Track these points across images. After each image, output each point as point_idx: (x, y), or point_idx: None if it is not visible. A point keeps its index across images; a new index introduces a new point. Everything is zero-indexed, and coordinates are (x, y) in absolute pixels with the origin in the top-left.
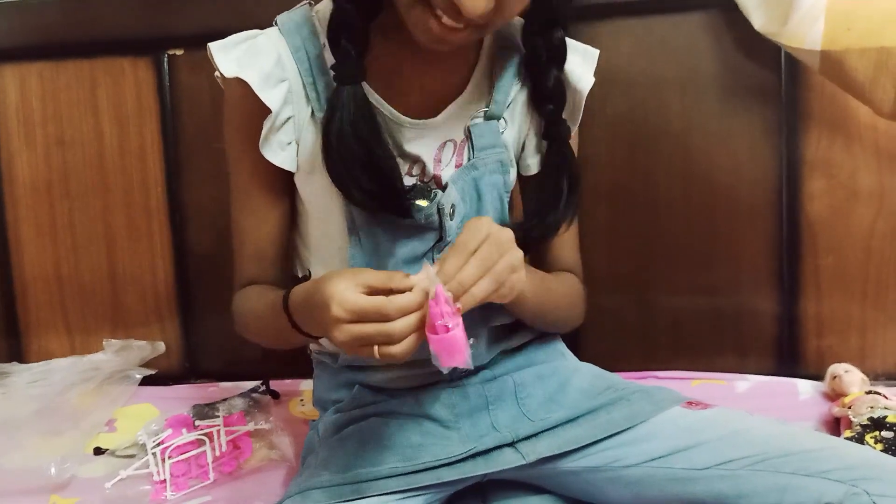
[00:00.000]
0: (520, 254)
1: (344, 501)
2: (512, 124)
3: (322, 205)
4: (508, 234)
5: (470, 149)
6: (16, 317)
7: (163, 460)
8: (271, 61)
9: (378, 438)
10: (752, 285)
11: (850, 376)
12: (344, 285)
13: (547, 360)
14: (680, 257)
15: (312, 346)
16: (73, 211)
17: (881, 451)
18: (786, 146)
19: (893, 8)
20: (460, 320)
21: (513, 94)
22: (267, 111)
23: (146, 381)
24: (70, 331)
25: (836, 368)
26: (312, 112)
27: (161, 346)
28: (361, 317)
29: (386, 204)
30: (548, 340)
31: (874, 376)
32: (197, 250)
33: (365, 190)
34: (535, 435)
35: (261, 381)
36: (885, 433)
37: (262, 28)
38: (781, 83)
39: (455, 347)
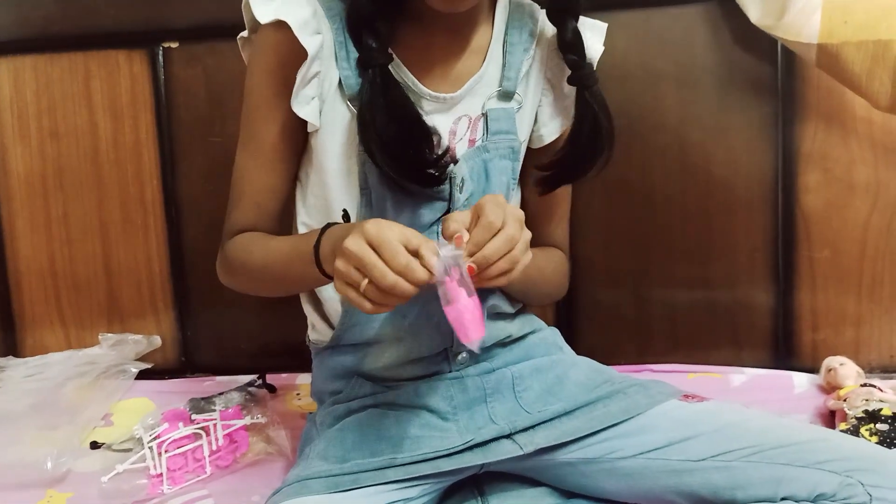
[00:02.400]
0: (529, 235)
1: (341, 491)
2: (526, 99)
3: (337, 164)
4: (522, 214)
5: (485, 129)
6: (11, 311)
7: (159, 454)
8: (308, 12)
9: (376, 430)
10: (748, 278)
11: (846, 369)
12: (386, 224)
13: (545, 353)
14: (676, 250)
15: (312, 338)
16: (67, 204)
17: (876, 443)
18: (782, 139)
19: (890, 1)
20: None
21: (525, 68)
22: (299, 60)
23: (142, 375)
24: (65, 325)
25: (832, 361)
26: (340, 80)
27: (157, 340)
28: (360, 263)
29: (420, 176)
30: (546, 334)
31: (869, 369)
32: (192, 244)
33: (399, 163)
34: (533, 427)
35: (257, 375)
36: (879, 426)
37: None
38: (778, 76)
39: (477, 315)
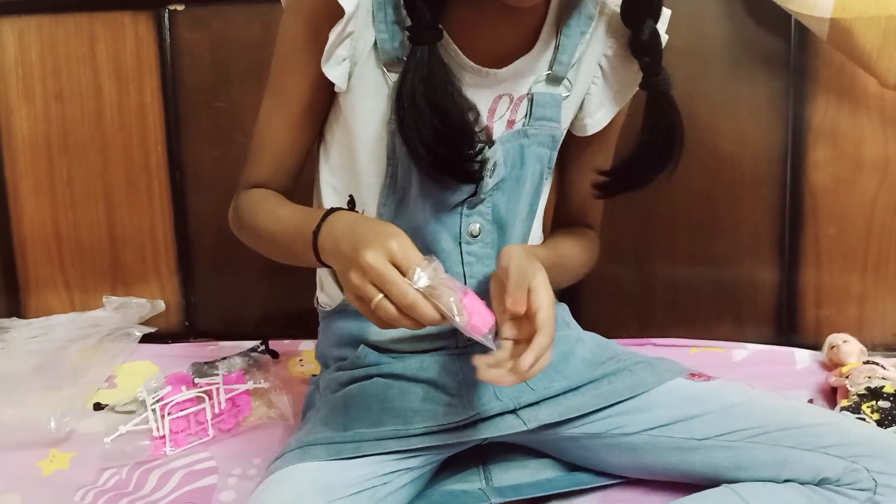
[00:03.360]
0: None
1: (343, 458)
2: (576, 86)
3: (366, 130)
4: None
5: (528, 113)
6: (15, 272)
7: (162, 417)
8: None
9: (380, 400)
10: (753, 254)
11: (849, 346)
12: (410, 244)
13: None
14: (681, 225)
15: (321, 300)
16: (72, 167)
17: (877, 420)
18: (792, 115)
19: None
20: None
21: (578, 54)
22: (335, 16)
23: (146, 339)
24: (69, 287)
25: (835, 338)
26: (375, 42)
27: (160, 305)
28: (384, 283)
29: (452, 171)
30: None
31: (872, 347)
32: (197, 209)
33: (433, 155)
34: (537, 403)
35: (260, 341)
36: (881, 403)
37: None
38: (790, 51)
39: (484, 315)
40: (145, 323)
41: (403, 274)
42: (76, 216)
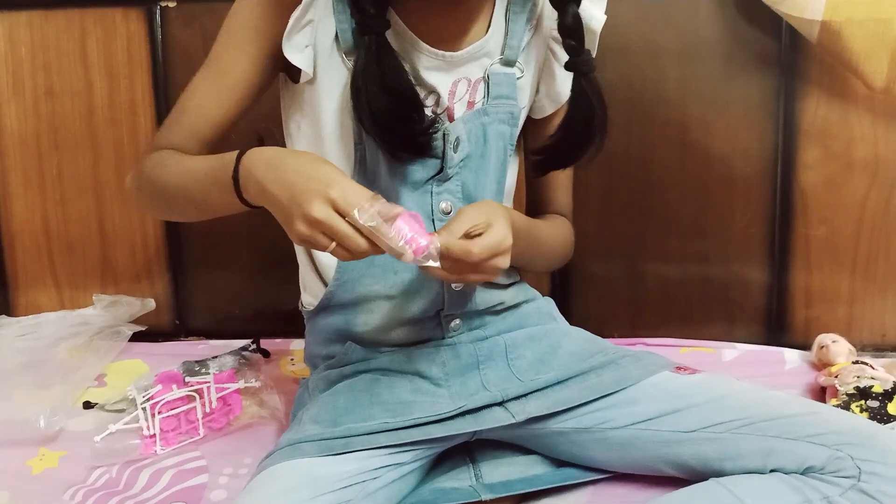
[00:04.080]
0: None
1: (333, 455)
2: (528, 68)
3: (332, 118)
4: (510, 243)
5: (485, 93)
6: (4, 270)
7: (152, 415)
8: None
9: (368, 395)
10: (743, 254)
11: (838, 346)
12: (350, 186)
13: (538, 322)
14: (672, 225)
15: (304, 301)
16: (62, 163)
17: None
18: (783, 115)
19: None
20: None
21: (526, 38)
22: (293, 3)
23: (136, 338)
24: (58, 285)
25: (824, 338)
26: (337, 33)
27: (151, 303)
28: (336, 235)
29: (408, 146)
30: (541, 303)
31: (861, 347)
32: None
33: (390, 133)
34: (525, 395)
35: (251, 340)
36: (870, 402)
37: None
38: (781, 51)
39: (417, 228)
40: (135, 321)
41: (345, 216)
42: (66, 213)
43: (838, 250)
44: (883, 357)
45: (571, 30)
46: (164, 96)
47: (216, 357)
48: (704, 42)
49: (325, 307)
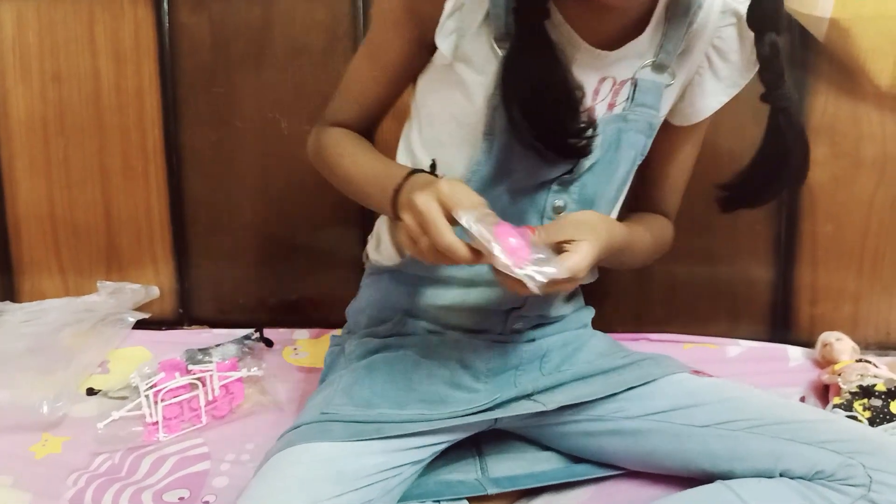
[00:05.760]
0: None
1: (365, 440)
2: (679, 75)
3: (466, 104)
4: (581, 275)
5: (629, 97)
6: (9, 255)
7: (155, 403)
8: None
9: (406, 380)
10: (749, 251)
11: (842, 344)
12: (460, 187)
13: (575, 328)
14: (678, 221)
15: (371, 255)
16: (68, 149)
17: (869, 418)
18: None
19: None
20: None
21: (685, 42)
22: None
23: (139, 325)
24: (63, 271)
25: (828, 336)
26: (487, 14)
27: (155, 291)
28: (426, 224)
29: (558, 147)
30: (582, 313)
31: (865, 345)
32: (193, 194)
33: (539, 132)
34: (552, 388)
35: (254, 329)
36: (873, 401)
37: None
38: (792, 47)
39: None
40: (139, 308)
41: (449, 210)
42: (71, 199)
43: (845, 248)
44: (887, 355)
45: (769, 60)
46: (171, 83)
47: (219, 345)
48: None
49: (397, 272)
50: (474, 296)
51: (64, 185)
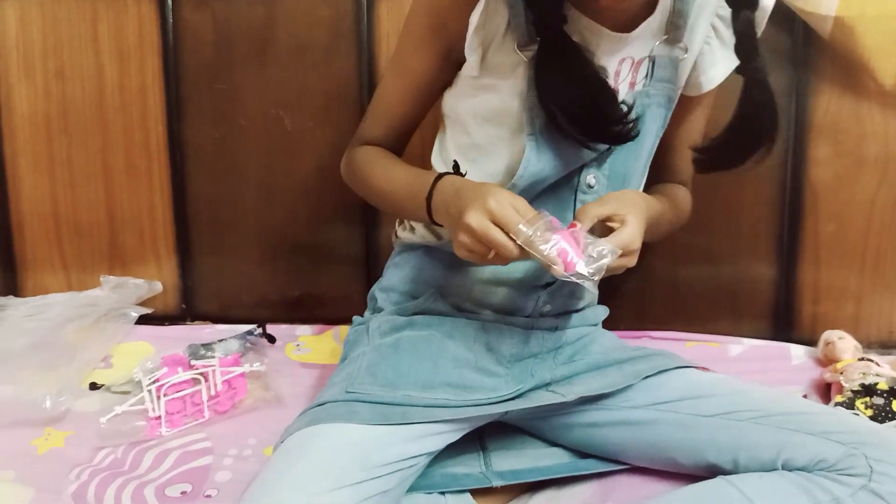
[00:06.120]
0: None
1: (391, 425)
2: (692, 47)
3: (498, 108)
4: (638, 245)
5: (648, 74)
6: (12, 250)
7: (158, 398)
8: None
9: (432, 364)
10: (752, 250)
11: (844, 343)
12: (505, 197)
13: (590, 323)
14: None
15: (403, 235)
16: (71, 146)
17: (870, 416)
18: (795, 110)
19: None
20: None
21: (693, 16)
22: (466, 7)
23: (142, 321)
24: (66, 267)
25: (830, 335)
26: (509, 22)
27: (158, 286)
28: (490, 243)
29: (606, 137)
30: (599, 309)
31: (867, 344)
32: (196, 192)
33: (585, 126)
34: (568, 378)
35: (257, 325)
36: (875, 399)
37: None
38: (795, 46)
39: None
40: (142, 304)
41: (504, 228)
42: (75, 195)
43: (847, 247)
44: (889, 354)
45: (744, 35)
46: (175, 81)
47: (222, 341)
48: None
49: (432, 248)
50: (513, 269)
51: (67, 183)
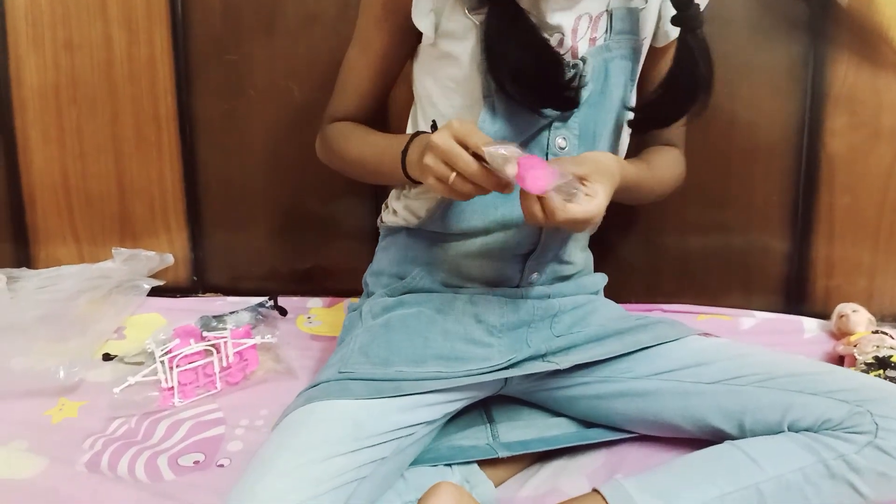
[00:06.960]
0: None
1: (384, 397)
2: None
3: (457, 74)
4: (597, 221)
5: (608, 28)
6: (24, 223)
7: (170, 368)
8: None
9: (423, 339)
10: (765, 223)
11: (858, 316)
12: (470, 122)
13: (587, 291)
14: (693, 192)
15: (387, 220)
16: (81, 118)
17: None
18: (811, 81)
19: None
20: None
21: None
22: None
23: (154, 293)
24: (78, 239)
25: (844, 308)
26: None
27: (169, 258)
28: (451, 158)
29: (554, 102)
30: (597, 277)
31: (881, 317)
32: (206, 163)
33: (533, 92)
34: (565, 349)
35: (268, 297)
36: (889, 372)
37: None
38: (812, 15)
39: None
40: (154, 276)
41: (468, 148)
42: (85, 167)
43: (862, 219)
44: None
45: None
46: (184, 51)
47: (233, 313)
48: (732, 5)
49: (415, 229)
50: (492, 240)
51: (77, 155)
